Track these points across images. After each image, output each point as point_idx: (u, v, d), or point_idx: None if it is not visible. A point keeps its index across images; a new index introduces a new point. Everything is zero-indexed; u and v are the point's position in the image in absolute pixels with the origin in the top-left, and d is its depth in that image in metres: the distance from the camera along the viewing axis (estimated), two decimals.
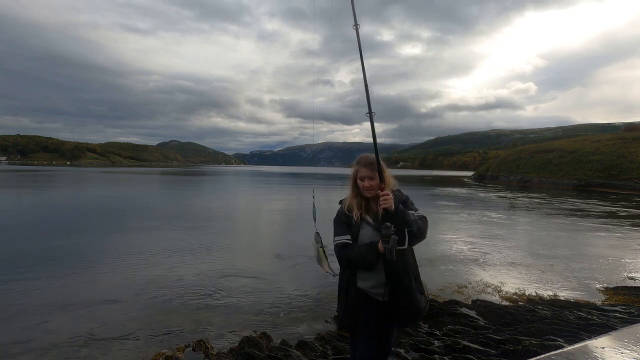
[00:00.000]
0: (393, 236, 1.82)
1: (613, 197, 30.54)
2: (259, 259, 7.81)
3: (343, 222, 2.05)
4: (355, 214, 2.00)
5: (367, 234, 1.97)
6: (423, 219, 2.04)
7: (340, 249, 2.01)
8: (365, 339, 2.02)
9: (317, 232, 2.14)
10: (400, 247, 1.88)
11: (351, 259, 1.96)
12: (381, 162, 1.99)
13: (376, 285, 1.96)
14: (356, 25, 2.09)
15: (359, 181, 2.02)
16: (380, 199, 1.88)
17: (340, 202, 2.14)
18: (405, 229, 1.92)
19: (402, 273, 1.97)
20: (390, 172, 2.06)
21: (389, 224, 1.85)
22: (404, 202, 2.02)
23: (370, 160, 2.01)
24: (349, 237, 2.00)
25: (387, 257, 1.84)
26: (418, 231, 1.95)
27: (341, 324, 2.17)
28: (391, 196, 1.90)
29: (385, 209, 1.88)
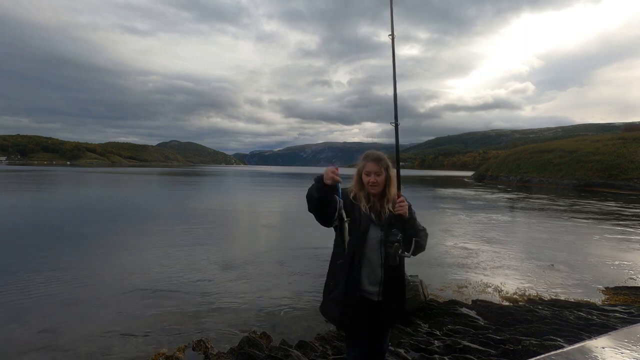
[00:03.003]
0: (396, 244, 1.86)
1: (613, 197, 30.55)
2: (258, 260, 7.80)
3: (346, 197, 1.98)
4: (364, 206, 1.96)
5: (374, 234, 1.94)
6: (424, 231, 2.05)
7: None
8: (360, 339, 2.02)
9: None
10: (404, 256, 1.92)
11: (307, 197, 1.87)
12: (390, 164, 2.00)
13: (373, 283, 1.96)
14: (392, 35, 2.13)
15: (364, 176, 1.99)
16: (396, 205, 1.91)
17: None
18: (413, 239, 1.94)
19: (397, 275, 2.00)
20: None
21: (395, 230, 1.88)
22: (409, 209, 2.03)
23: (377, 156, 1.99)
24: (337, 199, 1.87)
25: (389, 262, 1.89)
26: (424, 241, 1.99)
27: (339, 325, 2.11)
28: (406, 203, 1.93)
29: (399, 215, 1.91)
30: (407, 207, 1.92)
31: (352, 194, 2.01)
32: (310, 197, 1.85)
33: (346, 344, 2.14)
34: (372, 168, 1.96)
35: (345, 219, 1.88)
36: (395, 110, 2.12)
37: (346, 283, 1.94)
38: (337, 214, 1.88)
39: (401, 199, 1.94)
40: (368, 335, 2.02)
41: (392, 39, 2.14)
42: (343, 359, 3.42)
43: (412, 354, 3.49)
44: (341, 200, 1.90)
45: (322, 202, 1.81)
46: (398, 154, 2.14)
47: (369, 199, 1.99)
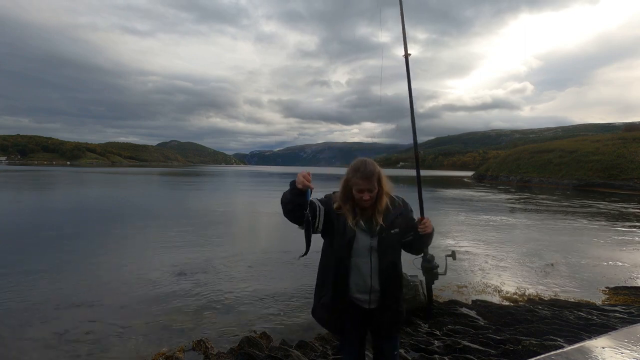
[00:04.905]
0: (434, 270, 2.04)
1: (613, 197, 30.52)
2: (258, 260, 7.80)
3: (326, 207, 1.92)
4: (350, 221, 1.88)
5: (363, 242, 1.88)
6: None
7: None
8: (350, 344, 2.00)
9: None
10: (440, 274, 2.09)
11: (281, 200, 1.85)
12: (380, 172, 1.91)
13: (362, 291, 1.90)
14: (406, 54, 2.20)
15: (355, 192, 1.87)
16: (420, 227, 1.94)
17: (334, 193, 2.02)
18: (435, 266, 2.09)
19: (393, 283, 1.94)
20: (386, 175, 1.97)
21: (430, 256, 2.07)
22: (407, 215, 2.00)
23: (369, 171, 1.85)
24: (307, 211, 1.81)
25: (429, 283, 2.14)
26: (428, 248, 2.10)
27: (328, 328, 2.11)
28: (431, 224, 1.97)
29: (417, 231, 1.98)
30: (431, 227, 1.97)
31: (335, 205, 1.93)
32: (283, 201, 1.84)
33: (338, 349, 2.13)
34: (363, 186, 1.84)
35: (316, 220, 1.90)
36: (413, 126, 2.19)
37: (333, 289, 1.92)
38: (317, 220, 1.88)
39: (425, 220, 1.95)
40: (358, 342, 2.00)
41: (406, 58, 2.18)
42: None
43: (412, 354, 3.49)
44: (322, 208, 1.90)
45: (294, 206, 1.80)
46: (419, 171, 2.22)
47: (355, 214, 1.91)
